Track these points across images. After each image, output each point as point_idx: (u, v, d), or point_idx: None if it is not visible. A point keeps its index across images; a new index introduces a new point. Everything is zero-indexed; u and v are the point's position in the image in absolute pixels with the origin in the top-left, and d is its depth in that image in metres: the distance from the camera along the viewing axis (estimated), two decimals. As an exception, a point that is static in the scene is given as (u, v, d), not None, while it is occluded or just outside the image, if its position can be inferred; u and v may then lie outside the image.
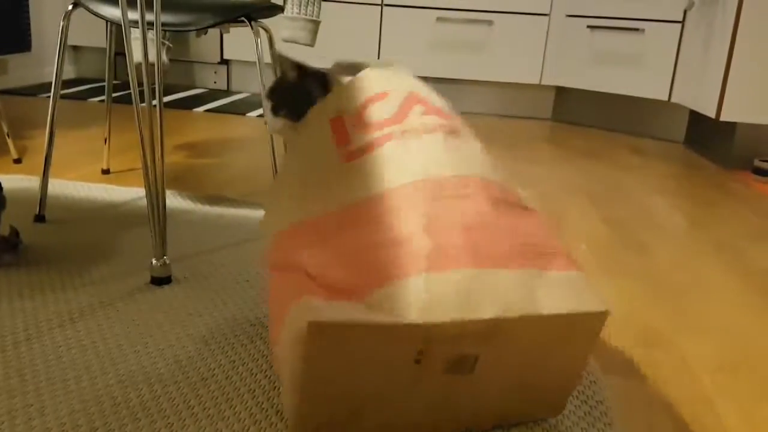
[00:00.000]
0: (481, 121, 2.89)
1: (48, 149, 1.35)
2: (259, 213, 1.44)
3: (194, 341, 0.90)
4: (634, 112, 2.81)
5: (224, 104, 2.80)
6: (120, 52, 1.86)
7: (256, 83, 3.14)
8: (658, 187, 1.96)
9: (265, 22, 1.43)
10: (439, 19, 2.91)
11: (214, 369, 0.84)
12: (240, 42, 3.04)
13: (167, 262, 1.07)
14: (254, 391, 0.80)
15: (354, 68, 0.85)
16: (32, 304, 0.97)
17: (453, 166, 0.73)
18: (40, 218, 1.32)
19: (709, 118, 2.44)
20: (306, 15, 1.42)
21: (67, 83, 3.01)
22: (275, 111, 0.93)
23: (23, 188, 1.49)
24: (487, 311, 0.63)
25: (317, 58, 2.92)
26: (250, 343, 0.91)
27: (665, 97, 2.62)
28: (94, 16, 1.32)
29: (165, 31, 1.59)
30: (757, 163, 2.19)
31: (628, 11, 2.66)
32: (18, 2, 2.71)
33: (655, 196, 1.86)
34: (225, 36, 3.06)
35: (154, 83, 1.07)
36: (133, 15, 1.03)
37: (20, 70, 2.89)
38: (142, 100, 1.02)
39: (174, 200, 1.49)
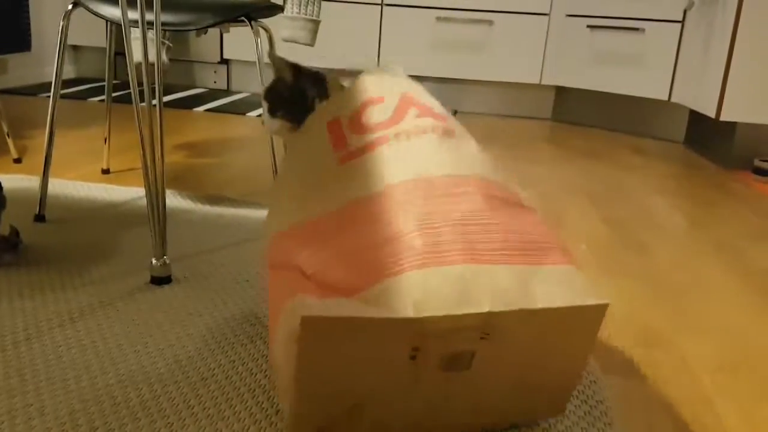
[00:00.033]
0: (481, 121, 2.89)
1: (48, 149, 1.35)
2: (259, 213, 1.44)
3: (194, 341, 0.90)
4: (634, 111, 2.81)
5: (224, 104, 2.80)
6: (120, 52, 1.86)
7: (256, 83, 3.14)
8: (658, 187, 1.96)
9: (265, 21, 1.43)
10: (439, 18, 2.91)
11: (214, 369, 0.84)
12: (240, 42, 3.04)
13: (167, 261, 1.07)
14: (254, 390, 0.80)
15: (352, 75, 0.86)
16: (32, 304, 0.97)
17: (447, 165, 0.74)
18: (40, 218, 1.32)
19: (709, 118, 2.44)
20: (306, 15, 1.42)
21: (67, 83, 3.01)
22: (272, 112, 0.93)
23: (23, 188, 1.49)
24: (481, 305, 0.63)
25: (317, 58, 2.93)
26: (250, 343, 0.91)
27: (665, 97, 2.62)
28: (94, 15, 1.32)
29: (165, 30, 1.59)
30: (757, 163, 2.19)
31: (628, 11, 2.66)
32: (18, 2, 2.71)
33: (655, 196, 1.86)
34: (225, 36, 3.06)
35: (154, 83, 1.07)
36: (133, 14, 1.03)
37: (20, 69, 2.89)
38: (142, 100, 1.02)
39: (174, 200, 1.49)
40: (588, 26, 2.78)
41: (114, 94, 1.88)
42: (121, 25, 1.09)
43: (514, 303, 0.64)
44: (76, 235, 1.25)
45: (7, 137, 1.75)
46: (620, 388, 0.87)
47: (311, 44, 1.45)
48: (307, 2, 1.42)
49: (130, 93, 1.05)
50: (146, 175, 1.05)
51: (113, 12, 1.31)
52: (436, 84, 3.03)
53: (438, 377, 0.67)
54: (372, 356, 0.64)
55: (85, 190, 1.52)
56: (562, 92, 3.02)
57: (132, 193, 1.52)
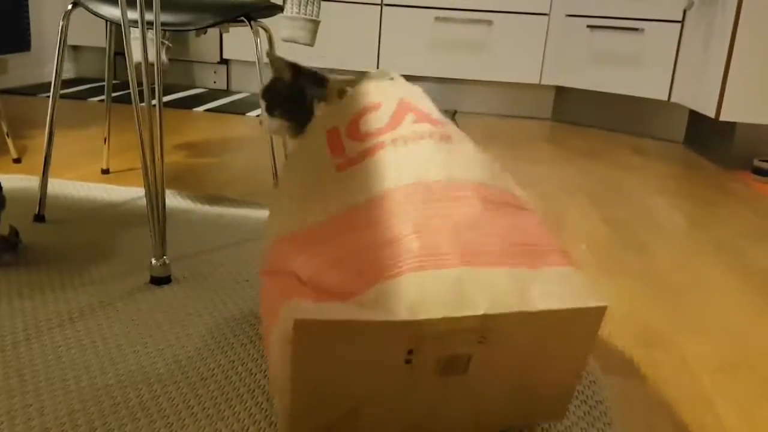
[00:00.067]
0: (480, 121, 2.89)
1: (47, 149, 1.34)
2: (259, 213, 1.44)
3: (194, 341, 0.90)
4: (633, 111, 2.81)
5: (224, 104, 2.80)
6: (120, 52, 1.86)
7: (255, 83, 3.14)
8: (658, 187, 1.96)
9: (265, 21, 1.43)
10: (438, 18, 2.91)
11: (213, 369, 0.84)
12: (239, 42, 3.04)
13: (167, 261, 1.07)
14: (254, 391, 0.80)
15: (351, 82, 0.87)
16: (32, 304, 0.97)
17: (444, 170, 0.74)
18: (39, 218, 1.32)
19: (709, 118, 2.44)
20: (306, 15, 1.42)
21: (67, 83, 3.01)
22: (270, 111, 0.93)
23: (23, 188, 1.49)
24: (477, 308, 0.63)
25: (317, 58, 2.93)
26: (250, 343, 0.91)
27: (665, 97, 2.62)
28: (93, 15, 1.32)
29: (164, 30, 1.59)
30: (756, 163, 2.19)
31: (627, 11, 2.66)
32: (18, 2, 2.71)
33: (655, 196, 1.86)
34: (225, 36, 3.06)
35: (153, 83, 1.06)
36: (133, 14, 1.03)
37: (20, 69, 2.89)
38: (142, 100, 1.02)
39: (174, 200, 1.49)
40: (588, 26, 2.78)
41: (114, 94, 1.88)
42: (120, 25, 1.09)
43: (512, 306, 0.64)
44: (76, 235, 1.25)
45: (6, 137, 1.75)
46: (620, 388, 0.87)
47: (311, 44, 1.45)
48: (307, 2, 1.42)
49: (129, 93, 1.05)
50: (146, 175, 1.05)
51: (113, 12, 1.31)
52: (436, 84, 3.03)
53: (435, 381, 0.67)
54: (368, 359, 0.64)
55: (85, 190, 1.52)
56: (561, 92, 3.02)
57: (132, 193, 1.52)
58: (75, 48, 3.25)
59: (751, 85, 2.17)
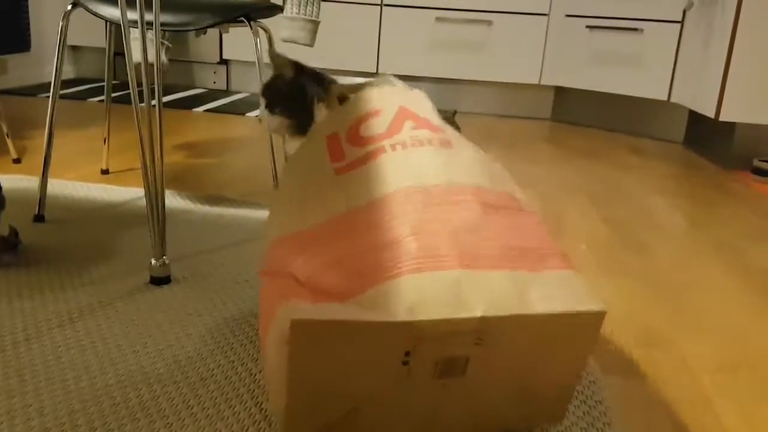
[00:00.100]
0: (480, 121, 2.89)
1: (47, 149, 1.34)
2: (258, 213, 1.44)
3: (193, 341, 0.90)
4: (633, 112, 2.81)
5: (224, 104, 2.80)
6: (119, 52, 1.86)
7: (255, 83, 3.14)
8: (657, 187, 1.96)
9: (265, 22, 1.43)
10: (438, 19, 2.91)
11: (213, 369, 0.84)
12: (239, 42, 3.04)
13: (166, 262, 1.07)
14: (253, 391, 0.80)
15: (353, 88, 0.87)
16: (31, 304, 0.97)
17: (444, 174, 0.74)
18: (39, 218, 1.32)
19: (709, 118, 2.44)
20: (305, 15, 1.42)
21: (67, 83, 3.01)
22: (270, 108, 0.93)
23: (22, 188, 1.49)
24: (475, 310, 0.63)
25: (317, 58, 2.93)
26: (250, 343, 0.91)
27: (664, 97, 2.62)
28: (93, 16, 1.32)
29: (164, 31, 1.59)
30: (756, 163, 2.19)
31: (627, 11, 2.66)
32: (17, 2, 2.71)
33: (655, 196, 1.86)
34: (224, 36, 3.06)
35: (153, 83, 1.06)
36: (133, 15, 1.03)
37: (20, 70, 2.89)
38: (142, 100, 1.02)
39: (173, 200, 1.49)
40: (587, 26, 2.78)
41: (113, 95, 1.88)
42: (120, 25, 1.09)
43: (510, 308, 0.64)
44: (76, 236, 1.25)
45: (6, 137, 1.75)
46: (620, 388, 0.87)
47: (311, 45, 1.45)
48: (307, 2, 1.42)
49: (129, 93, 1.05)
50: (145, 175, 1.05)
51: (113, 12, 1.31)
52: (435, 84, 3.03)
53: (433, 383, 0.67)
54: (365, 360, 0.64)
55: (85, 190, 1.52)
56: (561, 92, 3.02)
57: (131, 193, 1.52)
58: (75, 48, 3.25)
59: (750, 85, 2.17)
